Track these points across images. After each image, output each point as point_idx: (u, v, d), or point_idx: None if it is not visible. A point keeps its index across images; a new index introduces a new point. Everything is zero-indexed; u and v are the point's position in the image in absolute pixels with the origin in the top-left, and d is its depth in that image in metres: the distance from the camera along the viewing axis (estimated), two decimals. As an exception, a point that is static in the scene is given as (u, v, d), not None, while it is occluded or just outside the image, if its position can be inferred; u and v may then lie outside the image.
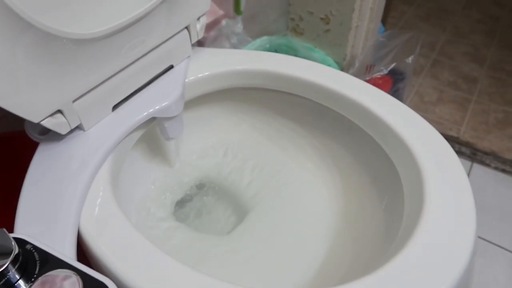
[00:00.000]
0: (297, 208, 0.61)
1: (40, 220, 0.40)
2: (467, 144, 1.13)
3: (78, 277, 0.31)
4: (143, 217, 0.59)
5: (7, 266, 0.32)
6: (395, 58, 0.89)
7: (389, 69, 0.86)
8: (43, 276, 0.32)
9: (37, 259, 0.34)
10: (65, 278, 0.31)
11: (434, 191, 0.43)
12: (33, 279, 0.33)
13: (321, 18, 0.95)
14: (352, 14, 0.88)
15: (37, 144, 0.47)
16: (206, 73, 0.59)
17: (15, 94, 0.39)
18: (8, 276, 0.32)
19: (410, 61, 0.85)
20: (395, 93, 0.91)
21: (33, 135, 0.48)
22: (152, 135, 0.61)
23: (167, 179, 0.64)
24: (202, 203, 0.66)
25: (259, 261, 0.55)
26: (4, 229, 0.34)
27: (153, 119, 0.54)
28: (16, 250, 0.33)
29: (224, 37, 0.94)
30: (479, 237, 0.92)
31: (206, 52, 0.62)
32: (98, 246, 0.38)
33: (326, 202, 0.61)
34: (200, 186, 0.66)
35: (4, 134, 0.68)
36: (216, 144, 0.69)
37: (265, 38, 1.00)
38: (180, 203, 0.65)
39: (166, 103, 0.53)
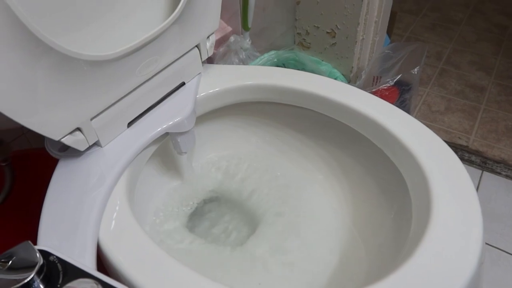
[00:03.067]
0: (308, 218, 0.62)
1: (62, 233, 0.41)
2: (476, 153, 1.13)
3: (100, 286, 0.33)
4: (157, 230, 0.60)
5: (32, 277, 0.33)
6: (400, 69, 0.91)
7: (395, 80, 0.87)
8: (65, 286, 0.34)
9: (60, 270, 0.36)
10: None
11: (441, 200, 0.44)
12: (56, 289, 0.34)
13: (327, 32, 0.97)
14: (357, 27, 0.90)
15: (56, 161, 0.49)
16: (216, 89, 0.61)
17: (37, 113, 0.41)
18: (33, 287, 0.34)
19: (415, 72, 0.86)
20: (402, 104, 0.92)
21: (53, 152, 0.50)
22: (165, 150, 0.63)
23: (180, 192, 0.66)
24: (214, 215, 0.67)
25: (274, 271, 0.56)
26: (29, 242, 0.36)
27: (166, 134, 0.56)
28: (40, 261, 0.34)
29: (233, 53, 0.96)
30: (491, 245, 0.91)
31: (216, 69, 0.65)
32: (116, 257, 0.40)
33: (337, 212, 0.62)
34: (213, 199, 0.68)
35: (24, 151, 0.71)
36: (227, 157, 0.70)
37: (272, 52, 1.03)
38: (193, 215, 0.66)
39: (179, 118, 0.55)
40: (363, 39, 0.93)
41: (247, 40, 0.97)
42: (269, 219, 0.64)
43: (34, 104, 0.40)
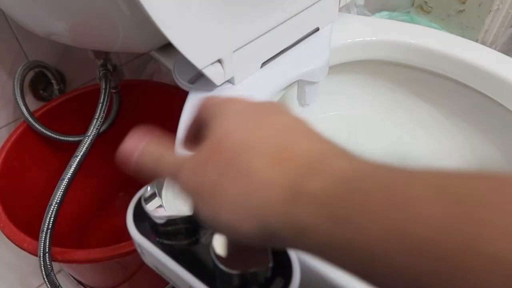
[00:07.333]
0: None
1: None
2: None
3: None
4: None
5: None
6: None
7: (536, 60, 0.76)
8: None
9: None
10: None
11: None
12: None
13: (457, -3, 0.86)
14: (496, -6, 0.79)
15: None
16: (356, 40, 0.55)
17: (193, 39, 0.37)
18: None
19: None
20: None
21: (183, 83, 0.47)
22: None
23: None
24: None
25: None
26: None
27: (294, 82, 0.51)
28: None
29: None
30: None
31: (349, 19, 0.59)
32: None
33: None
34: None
35: (130, 81, 0.70)
36: (339, 117, 0.65)
37: (385, 13, 0.94)
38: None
39: (313, 67, 0.50)
40: (498, 9, 0.82)
41: (362, -4, 0.89)
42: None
43: (193, 30, 0.37)
